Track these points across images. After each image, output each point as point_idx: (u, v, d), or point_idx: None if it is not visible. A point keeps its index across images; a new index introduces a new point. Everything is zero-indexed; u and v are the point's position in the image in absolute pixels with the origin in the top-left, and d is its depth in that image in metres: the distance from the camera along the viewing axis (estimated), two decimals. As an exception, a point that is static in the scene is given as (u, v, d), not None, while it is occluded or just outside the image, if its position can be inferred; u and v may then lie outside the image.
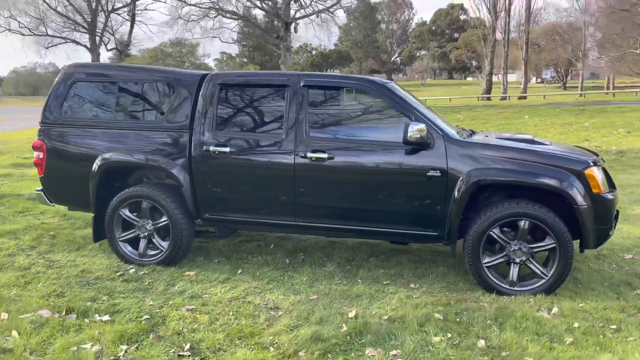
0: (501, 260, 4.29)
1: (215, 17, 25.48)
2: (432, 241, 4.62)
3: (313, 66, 69.41)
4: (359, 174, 4.49)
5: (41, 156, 5.16)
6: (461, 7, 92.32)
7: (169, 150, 4.85)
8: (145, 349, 3.43)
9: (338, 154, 4.47)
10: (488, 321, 3.74)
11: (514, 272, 4.27)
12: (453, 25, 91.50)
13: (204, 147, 4.75)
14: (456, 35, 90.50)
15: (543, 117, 19.71)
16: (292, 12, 25.27)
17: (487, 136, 4.81)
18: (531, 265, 4.24)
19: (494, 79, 46.39)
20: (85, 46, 32.99)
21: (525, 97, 37.21)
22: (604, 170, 4.37)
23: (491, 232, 4.22)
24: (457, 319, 3.79)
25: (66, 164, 5.16)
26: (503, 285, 4.27)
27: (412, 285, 4.52)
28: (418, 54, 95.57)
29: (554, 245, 4.13)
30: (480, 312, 3.90)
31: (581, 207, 4.06)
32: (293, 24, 24.83)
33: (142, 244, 5.00)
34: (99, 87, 5.15)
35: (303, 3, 25.51)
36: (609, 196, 4.19)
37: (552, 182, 4.09)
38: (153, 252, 4.99)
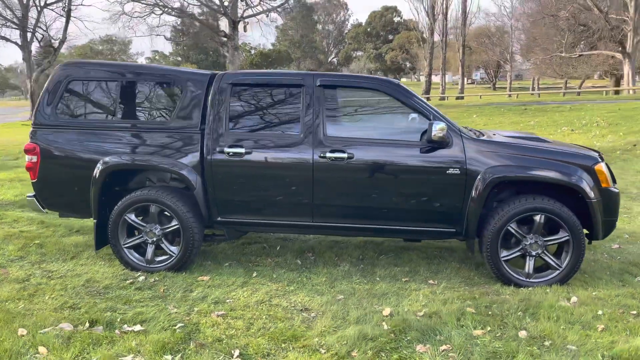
0: (518, 253, 4.46)
1: (161, 14, 24.76)
2: (449, 237, 4.73)
3: (253, 65, 68.76)
4: (379, 173, 4.53)
5: (34, 160, 4.84)
6: (395, 9, 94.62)
7: (179, 152, 4.69)
8: (190, 357, 3.31)
9: (357, 154, 4.49)
10: (519, 312, 3.89)
11: (529, 264, 4.45)
12: (387, 27, 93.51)
13: (218, 149, 4.63)
14: (391, 37, 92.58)
15: (490, 117, 20.56)
16: (239, 11, 25.01)
17: (494, 134, 4.98)
18: (546, 258, 4.43)
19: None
20: (16, 43, 31.04)
21: (462, 97, 38.66)
22: (607, 166, 4.64)
23: (509, 227, 4.39)
24: (489, 312, 3.91)
25: (63, 168, 4.87)
26: (520, 277, 4.45)
27: (430, 282, 4.61)
28: (354, 54, 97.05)
29: (567, 237, 4.34)
30: (507, 304, 4.05)
31: (593, 200, 4.30)
32: (241, 23, 24.56)
33: (150, 249, 4.80)
34: (98, 87, 4.90)
35: (250, 2, 25.29)
36: (615, 190, 4.46)
37: (567, 178, 4.30)
38: (161, 258, 4.81)
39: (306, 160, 4.54)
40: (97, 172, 4.68)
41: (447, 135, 4.35)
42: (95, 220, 4.83)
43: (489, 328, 3.65)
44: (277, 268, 4.96)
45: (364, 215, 4.63)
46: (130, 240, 4.81)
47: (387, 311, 3.95)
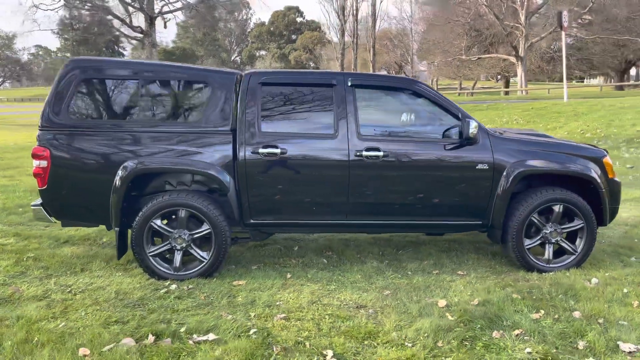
0: (539, 242, 4.82)
1: (72, 8, 22.99)
2: (474, 229, 4.98)
3: (155, 64, 66.00)
4: (413, 169, 4.67)
5: (44, 165, 4.43)
6: (297, 9, 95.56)
7: (210, 154, 4.53)
8: (284, 362, 3.26)
9: (392, 151, 4.61)
10: (560, 295, 4.21)
11: (549, 251, 4.83)
12: (291, 27, 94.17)
13: (252, 149, 4.53)
14: (294, 37, 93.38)
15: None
16: (157, 6, 23.94)
17: (504, 132, 5.31)
18: (563, 244, 4.83)
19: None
20: None
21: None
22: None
23: (532, 217, 4.73)
24: (533, 297, 4.20)
25: (77, 173, 4.51)
26: (541, 263, 4.80)
27: (459, 272, 4.84)
28: (258, 54, 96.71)
29: (582, 224, 4.76)
30: (543, 288, 4.36)
31: (603, 190, 4.76)
32: (160, 19, 23.57)
33: (178, 256, 4.58)
34: (116, 86, 4.59)
35: (167, -2, 24.34)
36: (618, 180, 4.97)
37: (585, 170, 4.71)
38: (191, 265, 4.62)
39: (342, 159, 4.58)
40: (120, 176, 4.39)
41: (478, 132, 4.60)
42: (117, 229, 4.53)
43: (542, 311, 3.93)
44: (306, 268, 4.94)
45: (396, 211, 4.75)
46: (157, 247, 4.56)
47: (442, 303, 4.10)
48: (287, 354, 3.35)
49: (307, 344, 3.47)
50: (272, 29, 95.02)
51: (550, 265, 4.80)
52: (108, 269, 4.84)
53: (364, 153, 4.57)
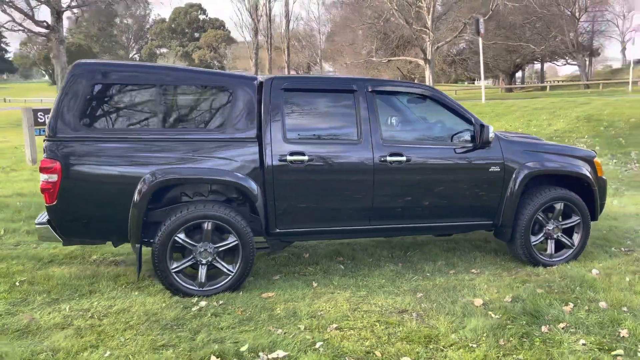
0: (542, 238, 5.15)
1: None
2: (484, 229, 5.20)
3: (48, 58, 61.10)
4: (433, 173, 4.79)
5: (54, 179, 4.01)
6: (199, 6, 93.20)
7: (236, 163, 4.34)
8: (366, 373, 3.23)
9: (414, 156, 4.70)
10: (577, 287, 4.53)
11: (551, 246, 5.17)
12: (193, 24, 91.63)
13: (279, 157, 4.41)
14: (197, 35, 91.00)
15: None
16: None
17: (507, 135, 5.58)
18: (563, 239, 5.20)
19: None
20: None
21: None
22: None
23: (538, 215, 5.04)
24: (555, 290, 4.48)
25: (91, 187, 4.13)
26: (545, 258, 5.14)
27: (473, 271, 5.04)
28: (159, 51, 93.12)
29: (579, 220, 5.16)
30: (558, 282, 4.67)
31: (595, 188, 5.19)
32: (68, 14, 21.76)
33: (203, 271, 4.36)
34: (133, 92, 4.25)
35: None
36: (605, 178, 5.43)
37: (582, 170, 5.10)
38: (216, 279, 4.41)
39: (367, 165, 4.59)
40: (141, 188, 4.09)
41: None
42: (137, 245, 4.21)
43: (571, 304, 4.21)
44: (327, 275, 4.90)
45: (416, 214, 4.85)
46: (180, 263, 4.30)
47: (478, 302, 4.26)
48: (366, 364, 3.32)
49: (378, 353, 3.46)
50: (173, 26, 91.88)
51: (553, 260, 5.15)
52: (120, 288, 4.49)
53: (388, 158, 4.62)
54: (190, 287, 4.33)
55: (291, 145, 4.46)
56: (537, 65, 61.29)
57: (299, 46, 61.82)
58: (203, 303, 4.19)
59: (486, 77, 62.09)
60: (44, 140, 4.10)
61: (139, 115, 4.26)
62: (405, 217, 4.84)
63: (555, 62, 51.36)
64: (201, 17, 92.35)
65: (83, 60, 4.26)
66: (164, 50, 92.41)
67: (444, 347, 3.56)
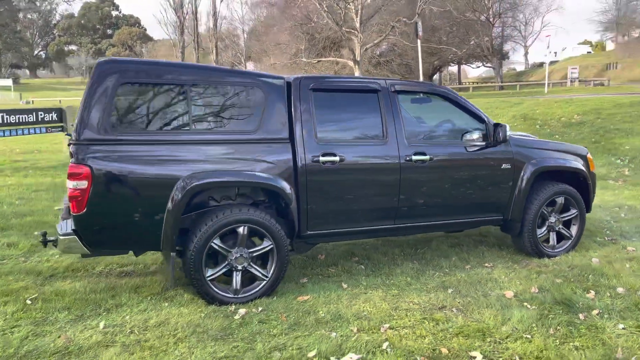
0: (546, 231, 5.43)
1: None
2: (495, 224, 5.39)
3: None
4: (454, 171, 4.91)
5: (83, 186, 3.70)
6: (112, 2, 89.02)
7: (270, 165, 4.23)
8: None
9: (436, 155, 4.80)
10: (589, 275, 4.82)
11: (554, 238, 5.47)
12: (106, 20, 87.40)
13: (312, 158, 4.35)
14: (110, 31, 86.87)
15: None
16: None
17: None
18: (563, 231, 5.52)
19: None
20: None
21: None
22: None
23: (542, 209, 5.32)
24: (571, 280, 4.74)
25: (123, 193, 3.85)
26: (548, 250, 5.43)
27: (487, 265, 5.22)
28: (67, 48, 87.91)
29: (577, 213, 5.50)
30: (567, 271, 4.95)
31: (590, 182, 5.55)
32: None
33: (238, 278, 4.21)
34: (163, 91, 4.01)
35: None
36: (594, 172, 5.82)
37: (581, 166, 5.45)
38: (251, 285, 4.27)
39: (394, 164, 4.63)
40: (176, 194, 3.88)
41: (505, 135, 5.03)
42: (173, 254, 3.99)
43: (592, 291, 4.47)
44: (353, 276, 4.89)
45: (437, 212, 4.95)
46: (216, 270, 4.13)
47: (509, 294, 4.43)
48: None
49: (444, 350, 3.50)
50: (83, 21, 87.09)
51: (555, 251, 5.45)
52: (146, 300, 4.22)
53: (413, 157, 4.69)
54: (226, 294, 4.16)
55: (322, 145, 4.41)
56: (451, 68, 64.41)
57: (222, 45, 60.86)
58: (242, 310, 4.04)
59: (409, 79, 64.27)
60: (68, 144, 3.78)
61: (169, 116, 4.03)
62: (427, 215, 4.92)
63: (470, 64, 54.10)
64: (114, 13, 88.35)
65: (108, 58, 3.96)
66: (73, 47, 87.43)
67: (500, 339, 3.66)
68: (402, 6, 37.98)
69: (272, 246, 4.24)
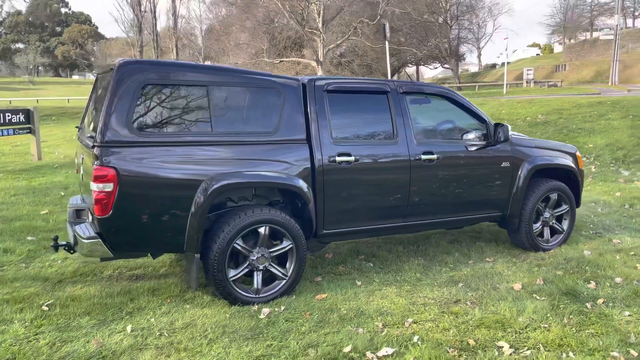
0: (540, 226, 5.68)
1: None
2: (494, 220, 5.60)
3: None
4: (459, 170, 5.07)
5: (109, 189, 3.66)
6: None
7: (289, 165, 4.28)
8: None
9: (443, 154, 4.95)
10: (586, 267, 5.06)
11: (547, 232, 5.73)
12: (55, 18, 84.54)
13: (328, 158, 4.42)
14: (59, 29, 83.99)
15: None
16: None
17: None
18: (556, 225, 5.79)
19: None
20: None
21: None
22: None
23: (538, 205, 5.57)
24: (571, 271, 4.98)
25: (149, 195, 3.83)
26: (542, 244, 5.68)
27: (488, 260, 5.42)
28: (14, 46, 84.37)
29: (568, 208, 5.78)
30: (564, 264, 5.20)
31: (580, 179, 5.85)
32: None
33: (259, 277, 4.24)
34: (185, 92, 3.99)
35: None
36: (582, 169, 6.12)
37: (572, 163, 5.73)
38: (271, 285, 4.31)
39: (405, 163, 4.76)
40: (201, 195, 3.89)
41: (504, 135, 5.24)
42: (197, 255, 3.98)
43: (593, 282, 4.73)
44: (364, 273, 4.99)
45: (443, 209, 5.11)
46: (238, 271, 4.15)
47: (517, 286, 4.62)
48: (468, 353, 3.49)
49: (471, 341, 3.65)
50: (31, 19, 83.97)
51: (549, 245, 5.71)
52: (167, 303, 4.20)
53: (422, 156, 4.83)
54: (248, 294, 4.19)
55: (338, 145, 4.49)
56: (408, 69, 65.57)
57: (180, 45, 59.85)
58: (266, 310, 4.08)
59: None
60: (92, 147, 3.72)
61: (191, 117, 4.01)
62: (434, 212, 5.08)
63: (428, 65, 55.22)
64: (63, 10, 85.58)
65: (130, 59, 3.91)
66: (20, 45, 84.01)
67: (520, 329, 3.84)
68: (364, 7, 38.39)
69: (291, 245, 4.29)
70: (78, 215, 4.71)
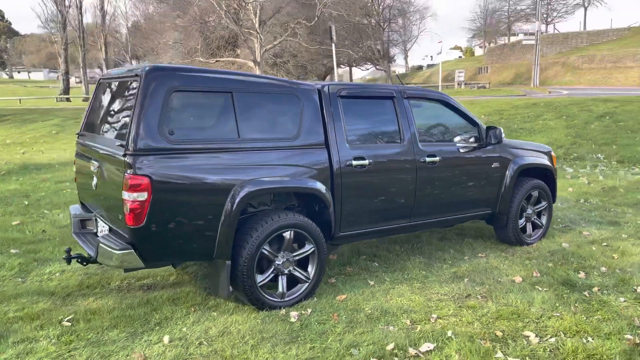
0: (524, 222, 6.07)
1: None
2: (483, 218, 5.91)
3: None
4: (457, 171, 5.34)
5: (143, 198, 3.57)
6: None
7: (311, 170, 4.35)
8: (514, 351, 3.65)
9: (443, 156, 5.20)
10: (572, 258, 5.48)
11: (529, 227, 6.14)
12: (-38, 13, 78.36)
13: (346, 163, 4.53)
14: (-32, 25, 77.95)
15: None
16: None
17: None
18: (536, 220, 6.20)
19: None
20: None
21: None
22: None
23: (522, 203, 5.95)
24: (559, 263, 5.37)
25: (183, 203, 3.77)
26: (526, 238, 6.07)
27: (480, 255, 5.73)
28: None
29: (546, 205, 6.22)
30: (550, 257, 5.59)
31: (556, 176, 6.30)
32: None
33: (284, 281, 4.28)
34: (212, 98, 3.96)
35: None
36: (556, 167, 6.59)
37: (549, 163, 6.16)
38: (294, 288, 4.36)
39: (412, 165, 4.96)
40: (232, 202, 3.88)
41: (495, 137, 5.56)
42: (228, 262, 3.97)
43: (582, 272, 5.12)
44: (372, 273, 5.13)
45: (442, 209, 5.35)
46: (265, 276, 4.17)
47: (518, 279, 4.94)
48: (501, 344, 3.72)
49: (498, 332, 3.88)
50: None
51: (532, 239, 6.12)
52: (193, 312, 4.14)
53: (427, 159, 5.04)
54: (274, 299, 4.22)
55: (353, 150, 4.61)
56: (339, 70, 66.63)
57: (100, 43, 57.59)
58: (294, 313, 4.13)
59: (304, 80, 65.38)
60: (124, 155, 3.61)
61: (219, 123, 4.00)
62: (435, 212, 5.31)
63: (361, 67, 56.32)
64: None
65: (157, 65, 3.83)
66: None
67: (536, 319, 4.12)
68: (300, 8, 38.59)
69: (313, 249, 4.37)
70: (83, 225, 4.54)
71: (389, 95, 4.98)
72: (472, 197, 5.56)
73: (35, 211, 7.36)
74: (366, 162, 4.64)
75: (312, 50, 43.93)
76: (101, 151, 4.07)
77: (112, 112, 4.28)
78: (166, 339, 3.67)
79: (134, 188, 3.54)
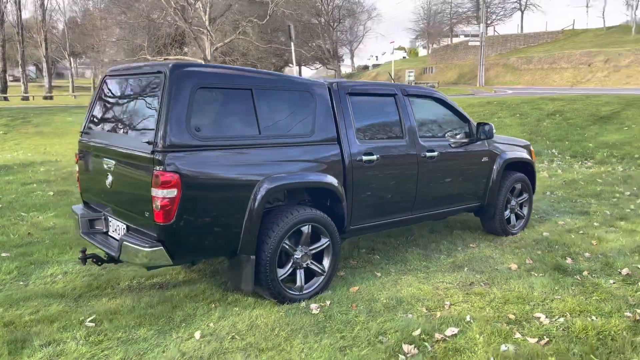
0: (509, 213, 6.40)
1: None
2: (472, 210, 6.18)
3: None
4: (452, 165, 5.58)
5: (173, 195, 3.57)
6: None
7: (325, 165, 4.45)
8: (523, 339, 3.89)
9: (441, 151, 5.42)
10: (557, 246, 5.84)
11: (513, 218, 6.47)
12: None
13: (356, 158, 4.66)
14: None
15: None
16: None
17: None
18: (519, 212, 6.55)
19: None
20: None
21: (51, 97, 35.36)
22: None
23: (507, 195, 6.27)
24: (547, 250, 5.71)
25: (213, 200, 3.81)
26: (511, 229, 6.40)
27: (472, 245, 5.99)
28: None
29: (527, 197, 6.58)
30: (536, 245, 5.95)
31: (535, 170, 6.68)
32: None
33: (302, 275, 4.37)
34: (235, 96, 3.98)
35: None
36: (534, 161, 6.97)
37: (528, 156, 6.52)
38: (311, 282, 4.45)
39: (414, 160, 5.15)
40: (257, 197, 3.93)
41: (487, 132, 5.85)
42: (253, 257, 4.01)
43: (569, 258, 5.46)
44: (376, 265, 5.28)
45: (439, 202, 5.58)
46: (286, 270, 4.24)
47: (514, 266, 5.23)
48: (517, 325, 3.95)
49: (511, 315, 4.12)
50: None
51: (515, 229, 6.46)
52: (216, 308, 4.15)
53: (427, 154, 5.25)
54: (293, 292, 4.29)
55: (362, 145, 4.74)
56: (288, 69, 66.76)
57: (39, 39, 55.19)
58: (314, 305, 4.22)
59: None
60: (152, 152, 3.59)
61: (242, 119, 4.02)
62: (433, 205, 5.53)
63: (310, 66, 56.60)
64: None
65: (181, 63, 3.82)
66: None
67: (541, 302, 4.39)
68: (250, 7, 38.39)
69: (329, 242, 4.47)
70: (92, 225, 4.46)
71: (391, 92, 5.15)
72: (465, 190, 5.82)
73: (11, 214, 7.06)
74: (374, 157, 4.79)
75: (261, 49, 43.77)
76: (121, 149, 4.00)
77: (129, 110, 4.22)
78: (197, 334, 3.68)
79: (164, 185, 3.53)
